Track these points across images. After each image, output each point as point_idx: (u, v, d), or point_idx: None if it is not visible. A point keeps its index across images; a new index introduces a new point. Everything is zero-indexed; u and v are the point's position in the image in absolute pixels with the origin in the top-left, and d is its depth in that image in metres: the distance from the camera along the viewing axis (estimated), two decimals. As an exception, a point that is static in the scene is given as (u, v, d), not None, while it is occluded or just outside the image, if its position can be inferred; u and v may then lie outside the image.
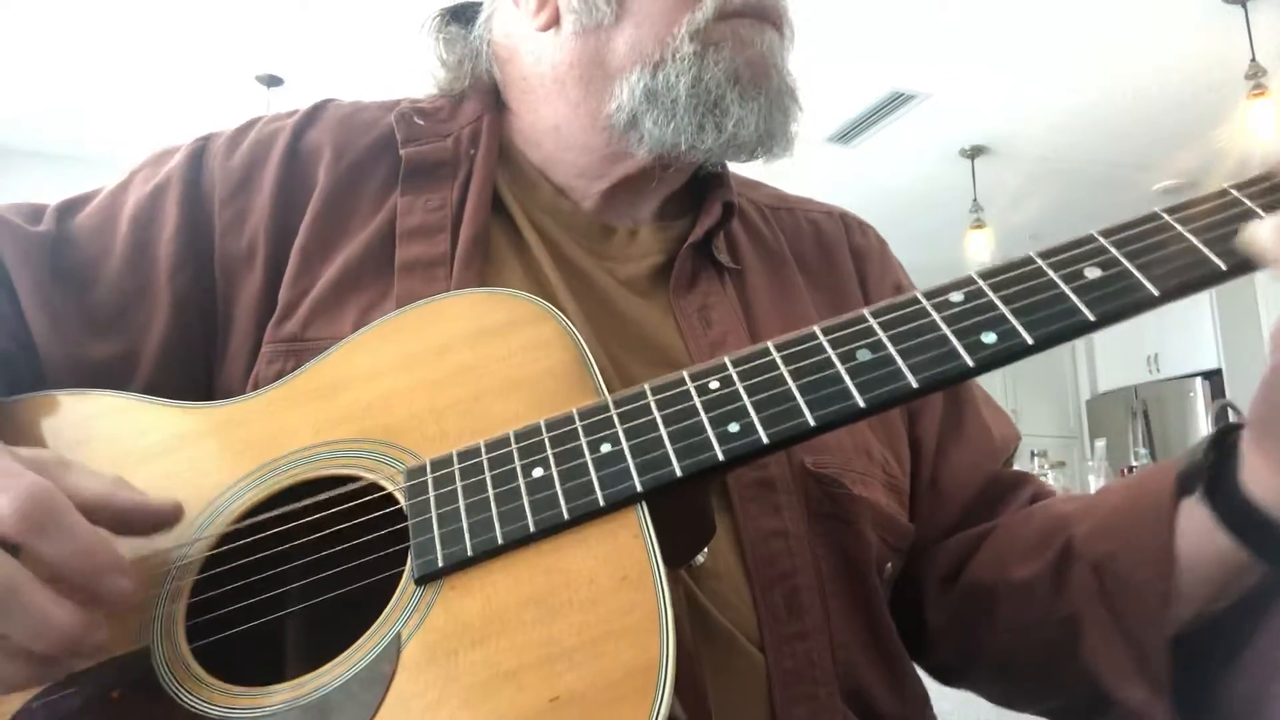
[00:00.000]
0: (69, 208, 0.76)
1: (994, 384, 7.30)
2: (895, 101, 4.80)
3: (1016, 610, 0.68)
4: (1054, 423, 7.56)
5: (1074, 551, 0.64)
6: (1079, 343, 7.50)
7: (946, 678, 0.79)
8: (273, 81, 4.47)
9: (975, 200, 5.52)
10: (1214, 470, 0.56)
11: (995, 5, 3.97)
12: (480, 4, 0.84)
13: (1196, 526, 0.57)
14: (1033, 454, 6.86)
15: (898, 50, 4.31)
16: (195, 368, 0.71)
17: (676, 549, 0.47)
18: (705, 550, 0.58)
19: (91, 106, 4.65)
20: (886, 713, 0.67)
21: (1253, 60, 4.07)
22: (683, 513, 0.52)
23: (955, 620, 0.74)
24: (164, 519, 0.54)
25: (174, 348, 0.71)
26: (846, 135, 5.13)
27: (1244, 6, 4.00)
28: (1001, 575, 0.69)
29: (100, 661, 0.50)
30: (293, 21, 3.98)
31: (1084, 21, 4.08)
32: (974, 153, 5.38)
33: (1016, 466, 0.83)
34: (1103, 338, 7.25)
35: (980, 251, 5.50)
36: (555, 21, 0.75)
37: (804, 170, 6.15)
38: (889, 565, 0.72)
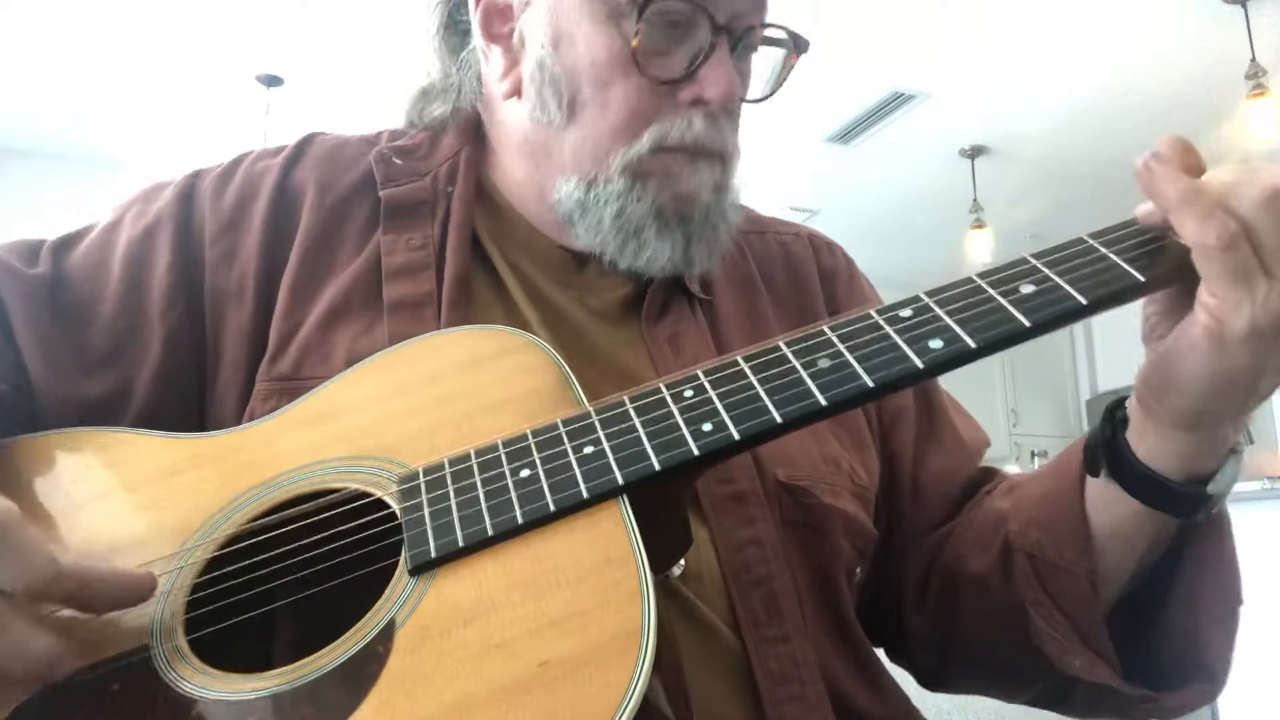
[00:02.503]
0: (63, 246, 0.78)
1: (994, 384, 7.30)
2: (895, 101, 4.80)
3: (977, 603, 0.72)
4: (1054, 423, 7.56)
5: (1011, 544, 0.69)
6: (1079, 343, 7.51)
7: (932, 683, 0.82)
8: (273, 81, 4.46)
9: (975, 200, 5.52)
10: (1111, 443, 0.61)
11: (995, 5, 3.97)
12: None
13: (1107, 499, 0.62)
14: (1033, 454, 6.87)
15: (898, 50, 4.31)
16: (188, 399, 0.74)
17: (654, 558, 0.48)
18: (682, 562, 0.61)
19: (92, 106, 4.65)
20: (868, 713, 0.70)
21: (1253, 60, 4.07)
22: (660, 523, 0.54)
23: (930, 620, 0.77)
24: (126, 592, 0.53)
25: (166, 382, 0.73)
26: (846, 135, 5.13)
27: (1244, 6, 4.00)
28: (961, 570, 0.74)
29: (100, 658, 0.51)
30: (293, 21, 3.98)
31: (1084, 21, 4.08)
32: (974, 153, 5.38)
33: (1017, 468, 0.85)
34: (1103, 339, 7.26)
35: (980, 251, 5.50)
36: (517, 93, 0.78)
37: (804, 170, 6.11)
38: (858, 570, 0.75)
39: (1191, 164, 0.54)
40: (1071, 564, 0.65)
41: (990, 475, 0.83)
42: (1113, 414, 0.62)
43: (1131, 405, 0.60)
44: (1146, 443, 0.59)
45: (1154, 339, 0.58)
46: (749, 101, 0.79)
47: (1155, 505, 0.60)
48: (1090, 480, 0.64)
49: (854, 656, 0.72)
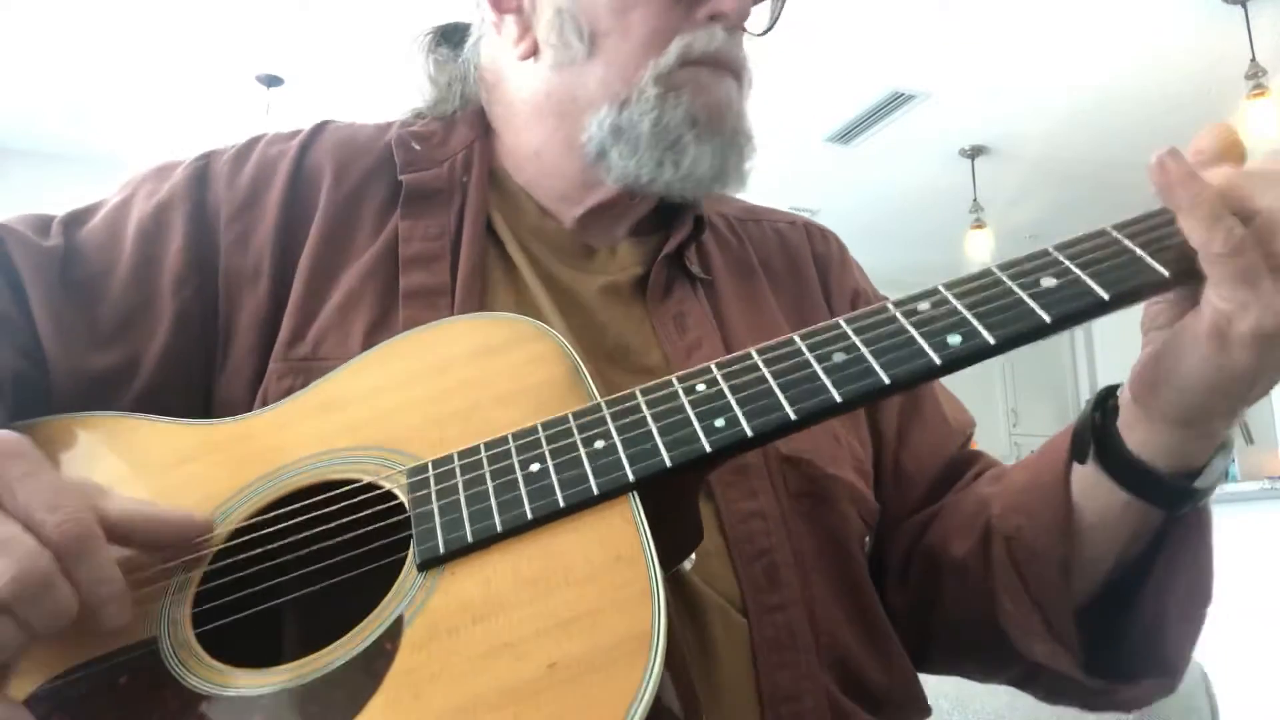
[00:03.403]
0: (74, 220, 0.79)
1: (994, 384, 7.30)
2: (895, 101, 4.80)
3: (956, 587, 0.73)
4: (1054, 422, 7.56)
5: (992, 528, 0.70)
6: (1079, 343, 7.50)
7: (916, 662, 0.83)
8: (273, 81, 4.46)
9: (975, 200, 5.52)
10: (1100, 432, 0.61)
11: (995, 5, 3.97)
12: (468, 26, 0.87)
13: (1093, 486, 0.62)
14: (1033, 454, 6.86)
15: (898, 50, 4.31)
16: (194, 377, 0.74)
17: (665, 552, 0.48)
18: (693, 556, 0.61)
19: (93, 106, 4.65)
20: (873, 682, 0.71)
21: (1253, 60, 4.07)
22: (671, 518, 0.54)
23: (911, 600, 0.78)
24: (185, 530, 0.56)
25: (174, 358, 0.73)
26: (846, 135, 5.13)
27: (1244, 6, 4.00)
28: (943, 554, 0.75)
29: (107, 651, 0.51)
30: (293, 21, 3.98)
31: (1084, 21, 4.09)
32: (974, 153, 5.38)
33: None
34: (1103, 338, 7.26)
35: (980, 251, 5.50)
36: (534, 52, 0.79)
37: (804, 170, 6.11)
38: (866, 539, 0.77)
39: (1235, 155, 0.53)
40: (1047, 550, 0.65)
41: (975, 458, 0.83)
42: (1103, 401, 0.61)
43: (1123, 396, 0.60)
44: (1137, 434, 0.59)
45: (1154, 327, 0.58)
46: (753, 35, 0.82)
47: (1142, 496, 0.60)
48: (1077, 468, 0.64)
49: (865, 624, 0.73)
